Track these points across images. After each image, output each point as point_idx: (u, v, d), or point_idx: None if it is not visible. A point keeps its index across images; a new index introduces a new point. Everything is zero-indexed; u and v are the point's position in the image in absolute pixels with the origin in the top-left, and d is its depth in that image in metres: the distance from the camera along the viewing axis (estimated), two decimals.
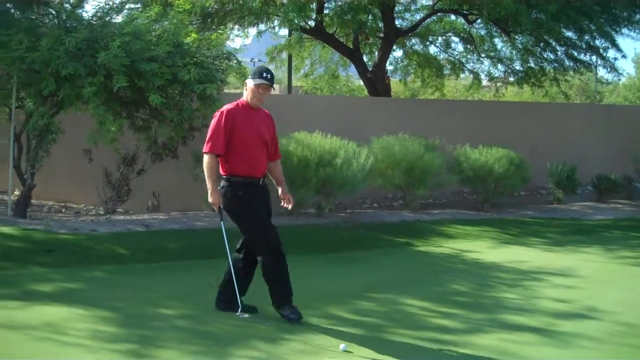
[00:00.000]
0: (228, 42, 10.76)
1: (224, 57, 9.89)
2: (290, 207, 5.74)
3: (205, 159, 5.43)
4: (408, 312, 5.94)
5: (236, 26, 16.40)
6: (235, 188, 5.43)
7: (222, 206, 5.46)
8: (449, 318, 5.81)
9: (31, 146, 9.81)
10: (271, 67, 23.22)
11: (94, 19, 9.50)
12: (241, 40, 17.70)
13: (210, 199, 5.42)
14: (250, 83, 5.53)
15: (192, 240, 8.66)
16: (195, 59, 9.13)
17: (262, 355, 4.69)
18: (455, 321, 5.71)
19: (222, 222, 5.49)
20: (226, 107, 5.57)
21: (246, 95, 5.57)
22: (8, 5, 10.07)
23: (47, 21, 10.29)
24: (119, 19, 9.70)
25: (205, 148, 5.45)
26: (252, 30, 17.62)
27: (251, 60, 33.37)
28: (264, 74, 5.53)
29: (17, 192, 10.54)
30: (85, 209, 11.84)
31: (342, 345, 4.87)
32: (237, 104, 5.59)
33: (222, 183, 5.49)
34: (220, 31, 14.17)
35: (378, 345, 4.97)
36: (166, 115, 9.19)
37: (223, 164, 5.49)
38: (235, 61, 10.02)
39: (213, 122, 5.49)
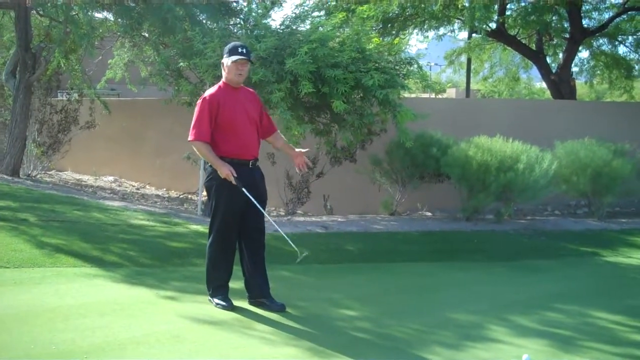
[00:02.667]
0: (407, 49, 10.80)
1: (405, 62, 9.92)
2: (304, 169, 5.80)
3: (194, 145, 5.38)
4: (598, 325, 5.65)
5: (416, 30, 16.44)
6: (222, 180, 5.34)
7: (206, 184, 5.51)
8: None
9: None
10: (449, 70, 23.11)
11: (281, 27, 9.84)
12: (420, 46, 17.85)
13: (222, 175, 5.30)
14: (227, 61, 5.36)
15: (370, 243, 8.74)
16: (377, 64, 9.21)
17: None
18: None
19: (244, 189, 5.35)
20: (208, 92, 5.43)
21: (225, 75, 5.42)
22: (203, 15, 10.71)
23: (236, 30, 10.83)
24: (304, 27, 9.98)
25: (190, 136, 5.35)
26: (430, 34, 17.63)
27: (427, 64, 33.29)
28: (239, 49, 5.37)
29: (205, 193, 11.14)
30: (267, 210, 12.29)
31: (525, 356, 4.71)
32: (219, 87, 5.44)
33: (210, 176, 5.44)
34: (402, 36, 14.26)
35: (566, 358, 4.77)
36: (347, 120, 9.34)
37: (213, 148, 5.36)
38: (416, 66, 10.01)
39: (196, 109, 5.36)
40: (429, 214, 11.42)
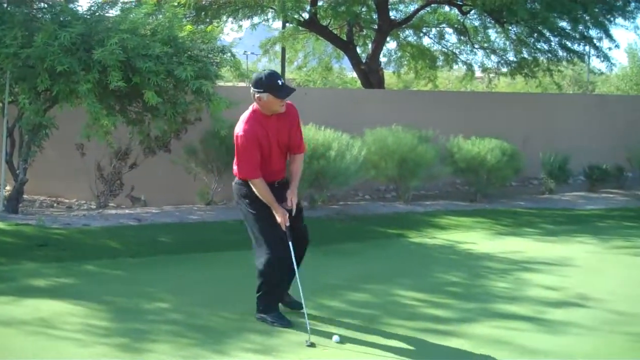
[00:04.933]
0: (222, 37, 10.79)
1: (218, 51, 9.89)
2: (289, 208, 5.18)
3: (252, 184, 5.12)
4: (402, 303, 5.99)
5: (230, 19, 16.41)
6: (250, 188, 5.17)
7: (238, 201, 5.30)
8: (442, 308, 5.87)
9: (24, 141, 9.80)
10: (264, 60, 23.28)
11: (88, 13, 9.46)
12: (236, 34, 17.68)
13: (279, 219, 5.10)
14: (267, 97, 5.03)
15: (185, 234, 8.68)
16: (190, 53, 9.12)
17: (257, 347, 4.74)
18: (449, 311, 5.78)
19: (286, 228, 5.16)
20: (244, 126, 5.08)
21: (261, 107, 5.10)
22: None
23: (40, 16, 10.25)
24: (113, 13, 9.66)
25: (242, 174, 5.16)
26: (246, 23, 17.69)
27: (244, 53, 33.32)
28: (282, 83, 5.09)
29: (8, 187, 10.53)
30: (77, 203, 11.83)
31: (335, 337, 4.91)
32: (252, 118, 5.12)
33: (237, 180, 5.25)
34: (215, 24, 14.17)
35: (372, 336, 5.03)
36: (160, 110, 9.17)
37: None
38: (229, 54, 10.01)
39: (240, 147, 5.07)
40: None
